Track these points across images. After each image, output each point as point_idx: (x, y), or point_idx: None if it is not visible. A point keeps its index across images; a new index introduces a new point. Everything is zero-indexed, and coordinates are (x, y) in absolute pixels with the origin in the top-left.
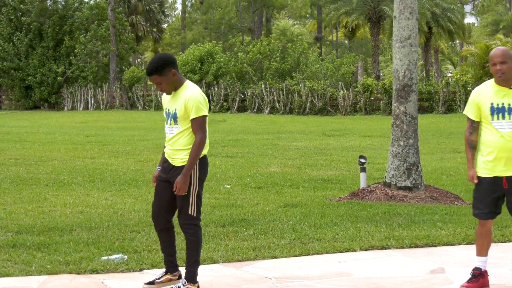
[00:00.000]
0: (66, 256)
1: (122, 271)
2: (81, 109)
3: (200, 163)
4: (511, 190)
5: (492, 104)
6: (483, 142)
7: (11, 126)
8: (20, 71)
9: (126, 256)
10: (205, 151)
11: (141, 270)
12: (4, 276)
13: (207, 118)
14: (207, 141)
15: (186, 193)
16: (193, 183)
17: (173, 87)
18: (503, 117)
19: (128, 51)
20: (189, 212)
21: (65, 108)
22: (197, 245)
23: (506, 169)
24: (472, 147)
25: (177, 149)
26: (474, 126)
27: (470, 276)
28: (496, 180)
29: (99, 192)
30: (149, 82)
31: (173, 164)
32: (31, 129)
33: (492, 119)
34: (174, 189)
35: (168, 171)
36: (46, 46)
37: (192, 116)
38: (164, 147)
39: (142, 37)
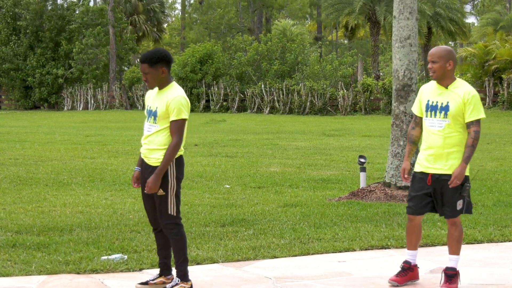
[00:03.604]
0: (66, 256)
1: (122, 271)
2: (80, 109)
3: (176, 162)
4: (434, 188)
5: (428, 101)
6: (422, 137)
7: (11, 126)
8: (19, 72)
9: (125, 256)
10: (180, 152)
11: (140, 270)
12: (4, 276)
13: (186, 123)
14: (183, 142)
15: (164, 193)
16: (171, 183)
17: (158, 83)
18: (435, 115)
19: (128, 51)
20: (169, 212)
21: (65, 108)
22: (183, 243)
23: (434, 167)
24: (411, 141)
25: (153, 148)
26: (417, 122)
27: (400, 269)
28: (424, 175)
29: (99, 192)
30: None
31: (149, 163)
32: (31, 129)
33: (426, 116)
34: (145, 189)
35: (145, 171)
36: (45, 46)
37: (172, 118)
38: (142, 146)
39: (142, 37)
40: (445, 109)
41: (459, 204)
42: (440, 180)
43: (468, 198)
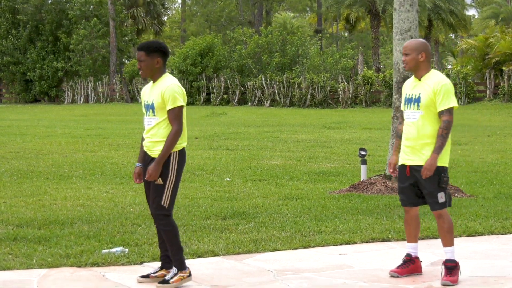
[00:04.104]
0: (67, 249)
1: (123, 264)
2: (81, 103)
3: (179, 155)
4: (414, 179)
5: (406, 94)
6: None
7: (12, 119)
8: (20, 65)
9: (126, 249)
10: (183, 143)
11: (141, 263)
12: (5, 269)
13: (184, 110)
14: (185, 132)
15: (162, 183)
16: (171, 175)
17: (151, 73)
18: (410, 107)
19: (127, 43)
20: (162, 203)
21: (65, 101)
22: (174, 234)
23: (410, 158)
24: (398, 136)
25: (156, 140)
26: (403, 116)
27: (401, 262)
28: (404, 168)
29: (100, 185)
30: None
31: (152, 156)
32: (32, 123)
33: (404, 109)
34: (145, 176)
35: (148, 163)
36: (45, 40)
37: (169, 107)
38: (142, 139)
39: (142, 30)
40: (417, 100)
41: (441, 197)
42: (417, 171)
43: (448, 190)
